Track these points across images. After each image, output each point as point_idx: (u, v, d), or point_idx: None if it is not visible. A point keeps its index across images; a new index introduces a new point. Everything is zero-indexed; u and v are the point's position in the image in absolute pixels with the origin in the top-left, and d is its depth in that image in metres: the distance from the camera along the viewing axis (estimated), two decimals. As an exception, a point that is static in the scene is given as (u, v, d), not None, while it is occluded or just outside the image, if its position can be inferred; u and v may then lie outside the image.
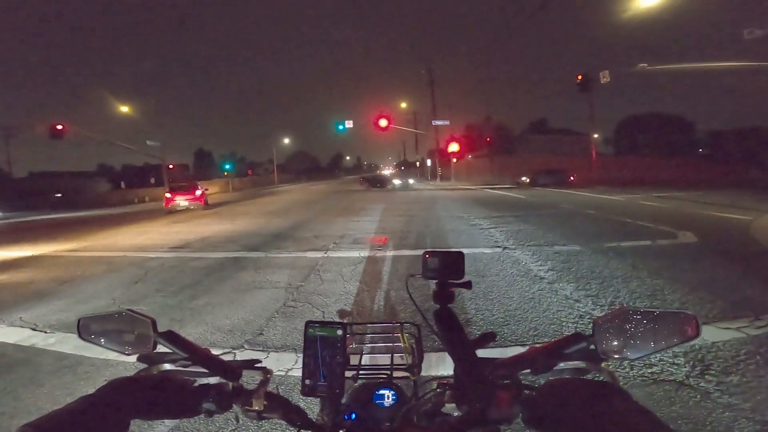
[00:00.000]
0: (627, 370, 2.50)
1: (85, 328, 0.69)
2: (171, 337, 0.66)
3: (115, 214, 19.35)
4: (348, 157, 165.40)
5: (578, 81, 19.99)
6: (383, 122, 28.53)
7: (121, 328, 0.67)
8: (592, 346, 0.58)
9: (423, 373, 0.85)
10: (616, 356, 0.56)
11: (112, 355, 3.01)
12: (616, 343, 0.56)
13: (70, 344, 3.39)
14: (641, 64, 15.96)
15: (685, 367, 2.54)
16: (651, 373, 2.48)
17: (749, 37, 11.51)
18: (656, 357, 2.64)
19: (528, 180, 29.23)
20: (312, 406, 0.69)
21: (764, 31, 11.18)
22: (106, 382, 0.54)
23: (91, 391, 0.52)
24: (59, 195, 34.23)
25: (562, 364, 0.62)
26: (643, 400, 2.19)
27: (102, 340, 0.68)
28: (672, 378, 2.42)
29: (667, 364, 2.57)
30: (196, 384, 0.63)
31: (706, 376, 2.41)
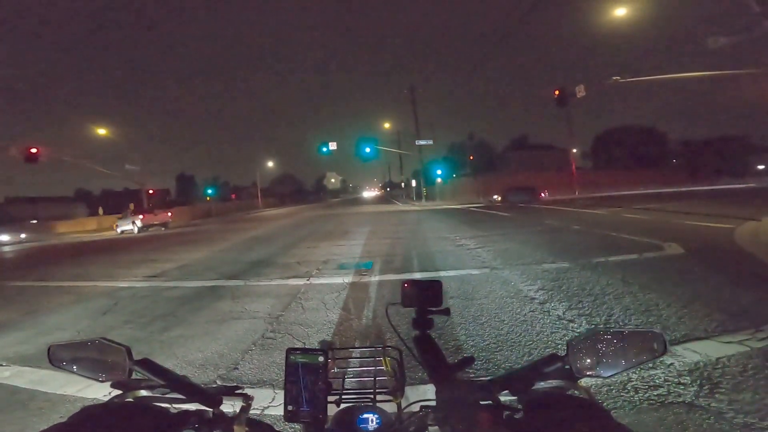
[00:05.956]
0: (632, 393, 2.32)
1: (56, 355, 0.68)
2: (147, 365, 0.65)
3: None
4: (333, 180, 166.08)
5: (556, 96, 20.31)
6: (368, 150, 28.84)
7: (95, 355, 0.66)
8: (567, 366, 0.60)
9: (408, 397, 0.83)
10: (590, 374, 0.59)
11: (70, 391, 2.83)
12: (588, 362, 0.59)
13: (25, 378, 3.16)
14: (614, 77, 16.43)
15: (693, 386, 2.37)
16: (657, 395, 2.30)
17: (714, 46, 11.85)
18: (660, 377, 2.48)
19: (499, 198, 29.68)
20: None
21: (729, 39, 11.54)
22: (78, 410, 0.52)
23: (43, 427, 0.49)
24: (35, 221, 33.25)
25: (541, 384, 0.64)
26: (653, 426, 2.01)
27: (74, 367, 0.67)
28: (681, 399, 2.24)
29: (673, 384, 2.40)
30: (174, 411, 0.61)
31: (717, 395, 2.25)
